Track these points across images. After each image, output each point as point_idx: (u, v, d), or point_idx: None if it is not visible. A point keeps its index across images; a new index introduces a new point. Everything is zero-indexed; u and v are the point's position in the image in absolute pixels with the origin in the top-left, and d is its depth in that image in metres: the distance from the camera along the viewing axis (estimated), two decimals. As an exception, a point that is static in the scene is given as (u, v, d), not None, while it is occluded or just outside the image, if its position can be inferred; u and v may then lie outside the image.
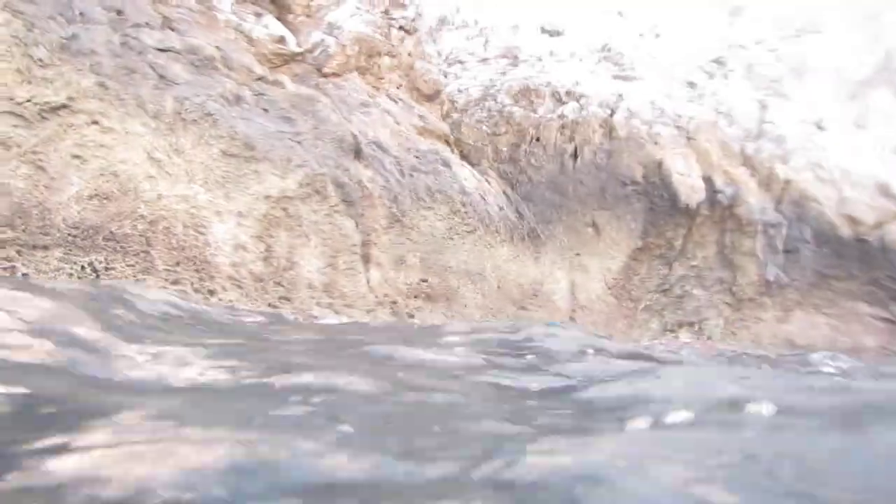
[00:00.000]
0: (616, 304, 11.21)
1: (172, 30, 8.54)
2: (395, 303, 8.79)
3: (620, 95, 12.80)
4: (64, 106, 6.63)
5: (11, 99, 6.35)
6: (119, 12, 8.07)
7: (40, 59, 6.69)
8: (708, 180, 11.98)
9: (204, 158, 7.49)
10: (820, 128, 13.65)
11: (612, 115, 12.48)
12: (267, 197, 7.83)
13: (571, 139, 12.30)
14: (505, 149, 12.25)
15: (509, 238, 10.60)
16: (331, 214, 8.42)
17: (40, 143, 6.35)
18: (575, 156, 12.18)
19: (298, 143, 8.59)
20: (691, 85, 13.84)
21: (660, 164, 11.83)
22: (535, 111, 12.54)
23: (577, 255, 11.35)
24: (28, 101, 6.42)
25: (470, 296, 9.61)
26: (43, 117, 6.46)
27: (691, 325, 11.63)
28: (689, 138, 12.43)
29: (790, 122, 13.49)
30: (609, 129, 12.34)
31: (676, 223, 11.66)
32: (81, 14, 7.59)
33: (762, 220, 11.76)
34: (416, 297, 9.07)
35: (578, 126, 12.34)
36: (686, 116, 12.76)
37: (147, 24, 8.24)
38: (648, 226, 11.66)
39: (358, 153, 9.42)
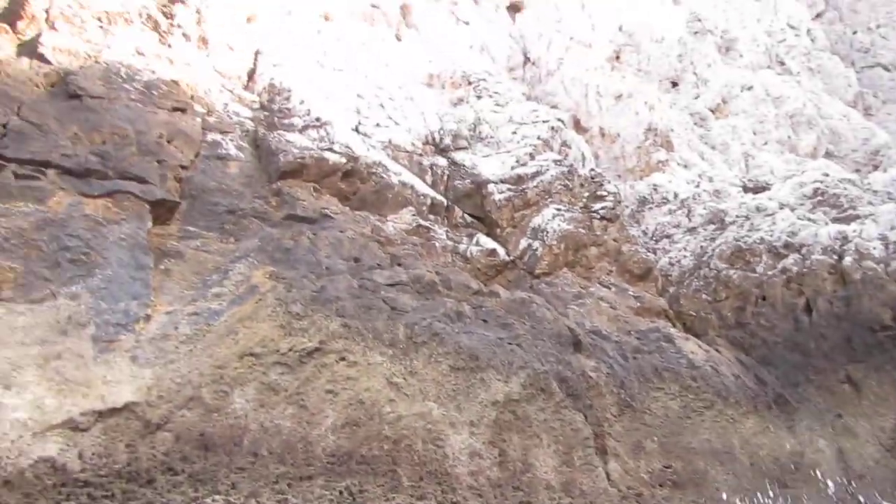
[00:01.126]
0: (904, 468, 9.66)
1: (399, 265, 9.80)
2: (640, 495, 8.44)
3: (845, 237, 11.93)
4: (317, 349, 7.78)
5: (277, 350, 7.61)
6: (356, 259, 9.51)
7: (297, 313, 8.04)
8: (983, 309, 10.42)
9: (435, 375, 8.20)
10: None
11: (840, 261, 11.58)
12: (494, 403, 8.24)
13: (801, 292, 11.51)
14: (729, 314, 11.75)
15: (753, 408, 9.86)
16: (558, 410, 8.58)
17: (301, 384, 7.44)
18: (808, 309, 11.32)
19: (518, 345, 9.08)
20: (927, 212, 12.53)
21: (911, 302, 10.59)
22: (753, 270, 12.05)
23: (839, 417, 10.15)
24: (289, 350, 7.66)
25: (721, 478, 8.93)
26: (301, 362, 7.62)
27: None
28: (940, 268, 11.08)
29: None
30: (840, 275, 11.41)
31: (956, 364, 10.12)
32: (328, 268, 9.07)
33: None
34: (661, 485, 8.65)
35: (805, 277, 11.58)
36: (929, 246, 11.48)
37: (378, 265, 9.57)
38: (918, 373, 10.22)
39: (577, 345, 9.67)
